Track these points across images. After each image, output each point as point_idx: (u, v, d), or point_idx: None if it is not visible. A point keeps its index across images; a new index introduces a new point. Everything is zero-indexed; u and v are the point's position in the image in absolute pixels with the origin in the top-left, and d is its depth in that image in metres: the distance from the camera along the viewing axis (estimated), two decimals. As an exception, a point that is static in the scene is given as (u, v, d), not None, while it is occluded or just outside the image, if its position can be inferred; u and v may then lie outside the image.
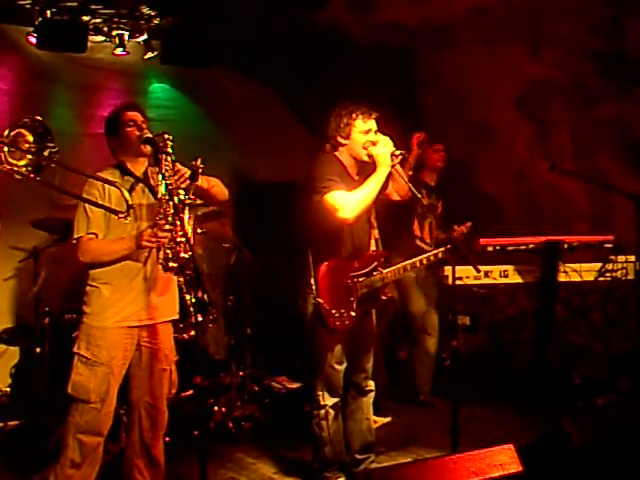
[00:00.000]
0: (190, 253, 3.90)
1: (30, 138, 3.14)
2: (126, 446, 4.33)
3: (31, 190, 4.29)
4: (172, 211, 3.94)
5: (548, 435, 4.06)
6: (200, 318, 5.47)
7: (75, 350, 4.08)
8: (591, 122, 6.59)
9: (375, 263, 4.44)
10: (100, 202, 3.96)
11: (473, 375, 5.07)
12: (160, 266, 4.05)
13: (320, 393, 4.50)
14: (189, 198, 4.06)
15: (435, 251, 4.44)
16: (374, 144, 4.35)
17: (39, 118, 3.56)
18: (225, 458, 5.24)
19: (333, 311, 4.31)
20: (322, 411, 4.51)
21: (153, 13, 6.65)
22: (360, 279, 4.40)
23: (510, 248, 5.74)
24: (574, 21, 6.16)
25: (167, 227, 3.94)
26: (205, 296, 5.34)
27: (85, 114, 7.11)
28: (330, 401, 4.51)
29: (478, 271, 5.27)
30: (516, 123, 6.94)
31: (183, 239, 3.91)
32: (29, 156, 3.06)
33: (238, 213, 7.71)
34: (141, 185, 4.21)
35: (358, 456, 4.73)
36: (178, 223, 3.91)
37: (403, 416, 6.06)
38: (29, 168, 3.07)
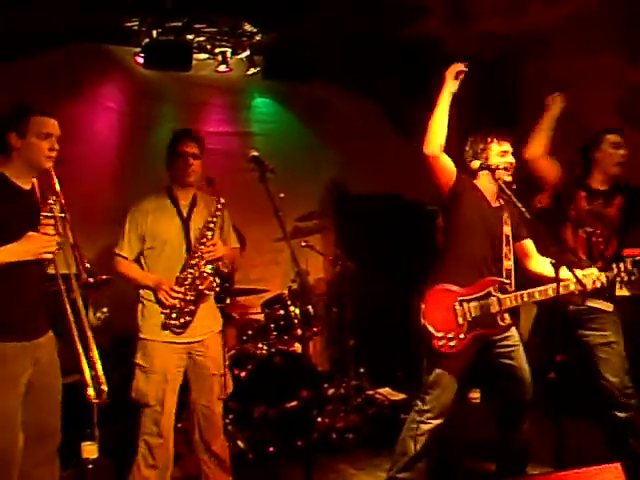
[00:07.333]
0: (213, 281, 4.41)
1: None
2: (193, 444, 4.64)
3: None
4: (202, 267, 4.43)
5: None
6: (304, 331, 5.60)
7: (135, 360, 4.46)
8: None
9: (489, 288, 4.31)
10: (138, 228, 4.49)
11: (578, 390, 4.93)
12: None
13: (428, 411, 4.35)
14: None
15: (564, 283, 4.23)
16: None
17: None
18: (328, 469, 5.25)
19: (439, 334, 4.22)
20: (424, 426, 4.35)
21: (254, 30, 6.76)
22: (470, 303, 4.29)
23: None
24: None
25: (182, 289, 4.40)
26: (310, 308, 5.41)
27: (191, 130, 7.28)
28: (433, 422, 4.35)
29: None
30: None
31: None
32: None
33: (340, 225, 7.77)
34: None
35: None
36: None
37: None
38: None
